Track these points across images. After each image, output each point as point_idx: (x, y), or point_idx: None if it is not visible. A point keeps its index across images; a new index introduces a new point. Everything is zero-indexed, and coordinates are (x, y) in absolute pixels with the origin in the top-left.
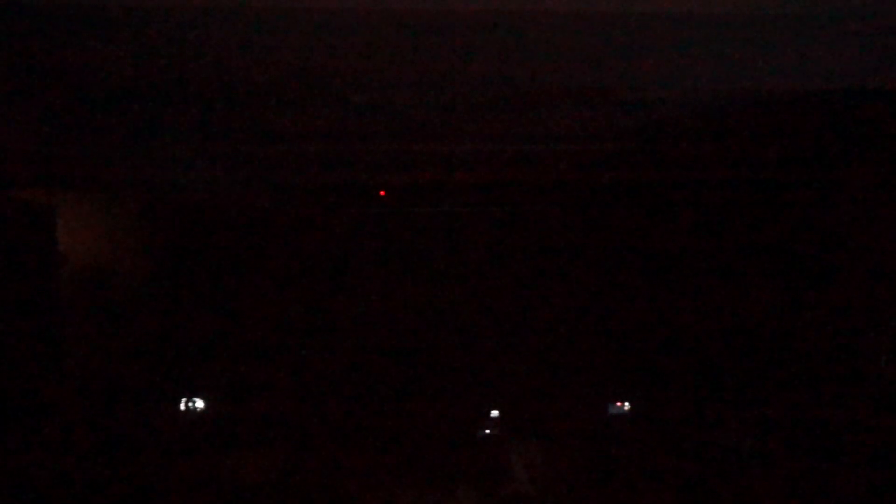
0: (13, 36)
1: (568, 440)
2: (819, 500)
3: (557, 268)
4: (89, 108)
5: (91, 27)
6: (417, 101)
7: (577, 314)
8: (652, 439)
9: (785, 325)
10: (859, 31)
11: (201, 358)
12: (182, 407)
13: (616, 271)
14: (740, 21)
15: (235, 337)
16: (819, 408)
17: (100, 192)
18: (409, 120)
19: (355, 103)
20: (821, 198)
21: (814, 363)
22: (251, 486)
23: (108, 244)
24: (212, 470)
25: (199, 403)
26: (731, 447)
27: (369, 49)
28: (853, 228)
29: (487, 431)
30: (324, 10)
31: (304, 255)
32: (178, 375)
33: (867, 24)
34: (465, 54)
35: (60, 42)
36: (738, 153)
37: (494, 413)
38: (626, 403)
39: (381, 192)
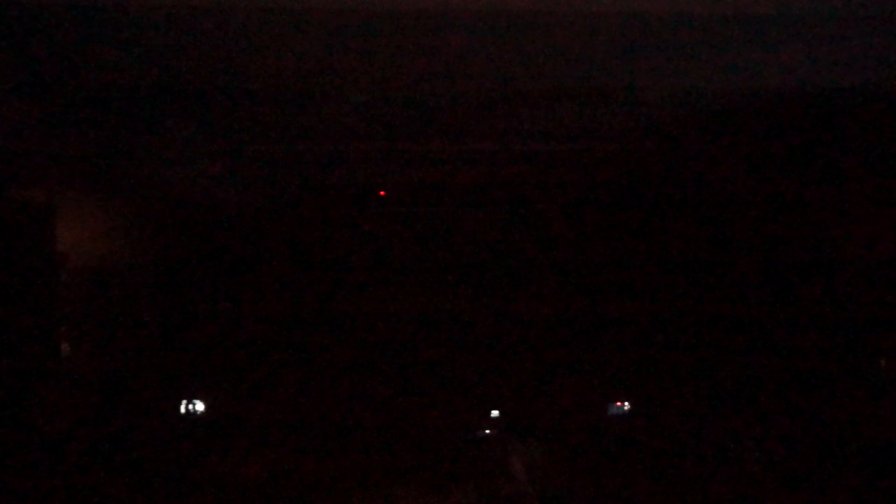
0: (13, 36)
1: (568, 440)
2: (819, 500)
3: (558, 268)
4: (89, 108)
5: (91, 27)
6: (417, 101)
7: (578, 314)
8: (652, 439)
9: (785, 325)
10: (859, 31)
11: (202, 359)
12: (182, 409)
13: (617, 271)
14: (740, 21)
15: (235, 337)
16: (819, 408)
17: (100, 192)
18: (408, 120)
19: (355, 103)
20: (821, 197)
21: (814, 363)
22: (251, 486)
23: (108, 244)
24: (211, 470)
25: (200, 406)
26: (730, 447)
27: (369, 49)
28: (853, 228)
29: (487, 431)
30: (324, 10)
31: (304, 255)
32: (178, 377)
33: (867, 24)
34: (465, 54)
35: (61, 42)
36: (738, 153)
37: (494, 413)
38: (626, 403)
39: (381, 192)
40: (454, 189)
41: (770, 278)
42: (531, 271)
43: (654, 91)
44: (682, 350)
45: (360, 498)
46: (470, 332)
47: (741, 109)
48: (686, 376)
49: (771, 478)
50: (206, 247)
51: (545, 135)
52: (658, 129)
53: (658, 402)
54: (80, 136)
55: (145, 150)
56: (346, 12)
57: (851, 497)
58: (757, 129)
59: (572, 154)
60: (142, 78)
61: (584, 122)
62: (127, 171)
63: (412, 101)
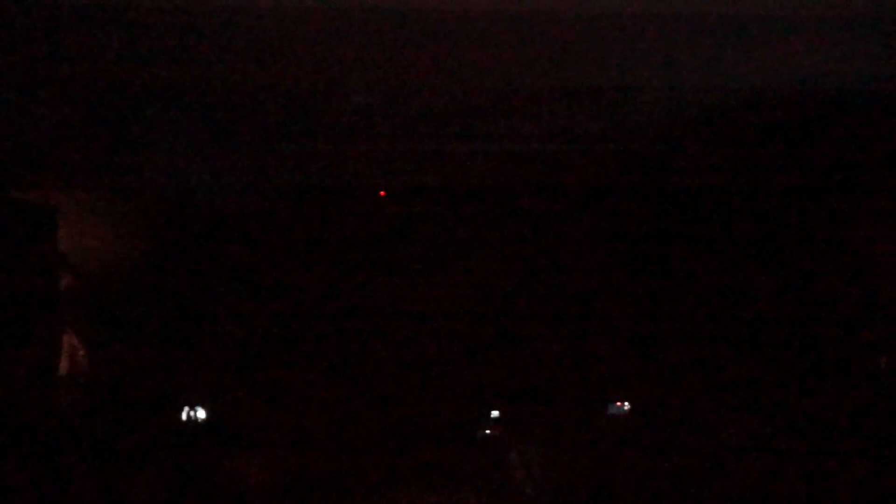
0: (13, 36)
1: (568, 440)
2: (819, 500)
3: (558, 267)
4: (89, 109)
5: (91, 27)
6: (417, 101)
7: (577, 314)
8: (652, 439)
9: (785, 325)
10: (859, 31)
11: (204, 363)
12: (184, 416)
13: (617, 271)
14: (740, 21)
15: (235, 337)
16: (819, 408)
17: (100, 192)
18: (408, 120)
19: (355, 103)
20: (821, 197)
21: (814, 363)
22: (251, 487)
23: (108, 244)
24: (211, 472)
25: (201, 413)
26: (730, 447)
27: (369, 49)
28: (853, 228)
29: (487, 432)
30: (324, 10)
31: (303, 255)
32: (180, 382)
33: (867, 24)
34: (465, 54)
35: (61, 42)
36: (738, 153)
37: (494, 413)
38: (626, 403)
39: (381, 192)
40: (454, 189)
41: (770, 278)
42: (531, 271)
43: (654, 91)
44: (682, 350)
45: (359, 498)
46: (470, 333)
47: (741, 110)
48: (686, 376)
49: (771, 478)
50: (206, 247)
51: (545, 135)
52: (658, 130)
53: (658, 403)
54: (80, 136)
55: (145, 150)
56: (346, 12)
57: (852, 495)
58: (756, 129)
59: (573, 154)
60: (142, 78)
61: (585, 122)
62: (127, 171)
63: (412, 102)
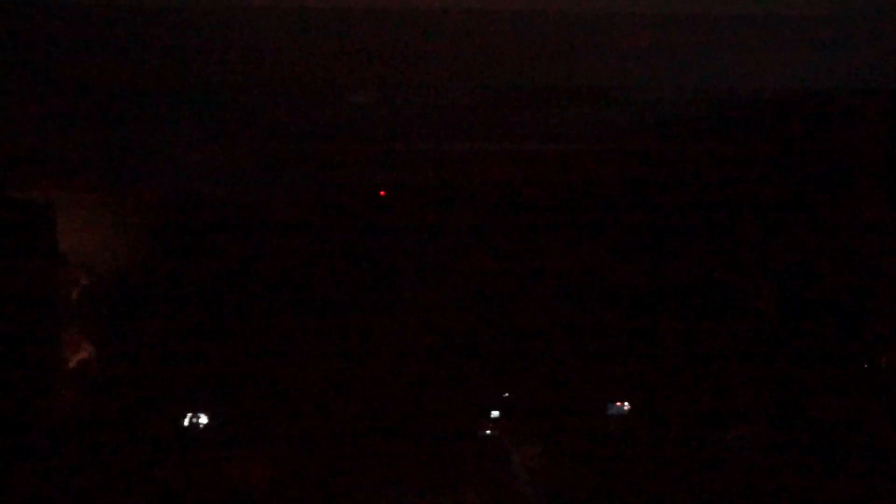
0: (13, 35)
1: (568, 440)
2: (819, 500)
3: (558, 267)
4: (89, 108)
5: (91, 27)
6: (417, 101)
7: (577, 314)
8: (652, 439)
9: (785, 325)
10: (859, 31)
11: (206, 366)
12: (185, 423)
13: (617, 272)
14: (740, 21)
15: (235, 338)
16: (819, 408)
17: (100, 192)
18: (408, 120)
19: (355, 103)
20: (820, 198)
21: (814, 363)
22: (250, 488)
23: (108, 245)
24: (211, 473)
25: (203, 419)
26: (730, 448)
27: (369, 49)
28: (854, 229)
29: (488, 432)
30: (324, 10)
31: (303, 255)
32: (182, 387)
33: (867, 24)
34: (465, 54)
35: (61, 42)
36: (739, 153)
37: (494, 413)
38: (626, 403)
39: (381, 192)
40: (454, 189)
41: (770, 279)
42: (531, 271)
43: (654, 91)
44: (682, 350)
45: (358, 499)
46: (470, 333)
47: (741, 110)
48: (686, 376)
49: (771, 478)
50: (206, 247)
51: (545, 135)
52: (658, 130)
53: (658, 403)
54: (80, 136)
55: (145, 150)
56: (345, 12)
57: (852, 496)
58: (757, 130)
59: (572, 154)
60: (141, 78)
61: (585, 122)
62: (127, 171)
63: (412, 102)
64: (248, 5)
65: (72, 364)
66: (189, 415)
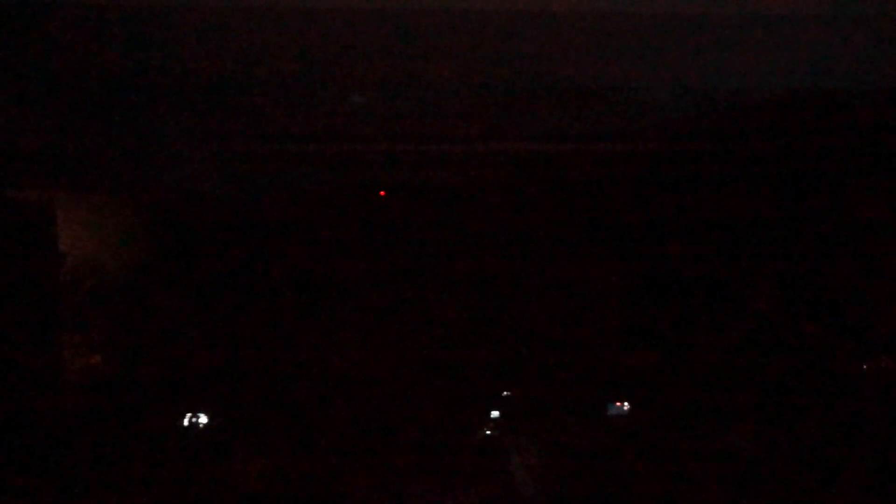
0: (13, 35)
1: (568, 440)
2: (819, 500)
3: (557, 267)
4: (89, 108)
5: (91, 27)
6: (417, 101)
7: (577, 314)
8: (652, 439)
9: (786, 325)
10: (859, 31)
11: (206, 366)
12: (185, 422)
13: (616, 272)
14: (740, 21)
15: (235, 338)
16: (820, 409)
17: (100, 192)
18: (408, 120)
19: (355, 103)
20: (821, 198)
21: (814, 364)
22: (250, 489)
23: (108, 245)
24: (211, 475)
25: (203, 419)
26: (730, 448)
27: (369, 49)
28: (854, 229)
29: (488, 432)
30: (324, 10)
31: (303, 255)
32: (182, 387)
33: (867, 24)
34: (465, 54)
35: (61, 42)
36: (738, 153)
37: (494, 413)
38: (626, 403)
39: (381, 192)
40: (454, 189)
41: (770, 279)
42: (530, 271)
43: (654, 91)
44: (683, 350)
45: (358, 499)
46: (469, 333)
47: (741, 110)
48: (686, 376)
49: (771, 479)
50: (206, 248)
51: (546, 135)
52: (658, 130)
53: (658, 403)
54: (80, 136)
55: (145, 150)
56: (345, 12)
57: (852, 497)
58: (757, 130)
59: (573, 154)
60: (142, 78)
61: (585, 122)
62: (127, 171)
63: (412, 102)
64: (248, 5)
65: (72, 364)
66: (189, 415)
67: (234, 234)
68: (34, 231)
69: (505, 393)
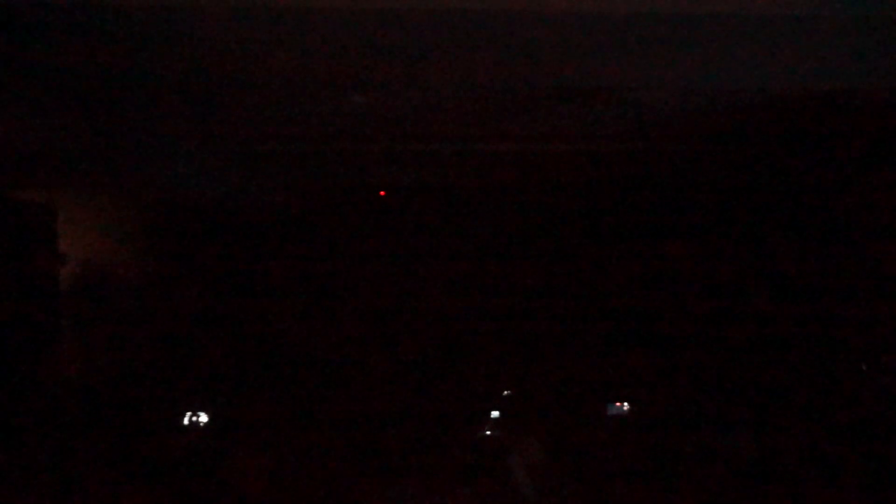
0: (13, 35)
1: (568, 440)
2: (818, 500)
3: (557, 268)
4: (89, 108)
5: (90, 27)
6: (417, 101)
7: (577, 314)
8: (652, 439)
9: (786, 325)
10: (859, 31)
11: (207, 366)
12: (186, 421)
13: (616, 272)
14: (740, 21)
15: (235, 338)
16: (820, 409)
17: (100, 192)
18: (408, 120)
19: (355, 103)
20: (821, 198)
21: (814, 364)
22: (249, 489)
23: (108, 245)
24: (212, 476)
25: (203, 417)
26: (730, 448)
27: (369, 49)
28: (854, 229)
29: (488, 432)
30: (324, 10)
31: (303, 255)
32: (182, 386)
33: (867, 25)
34: (465, 54)
35: (61, 41)
36: (739, 153)
37: (494, 413)
38: (626, 403)
39: (381, 192)
40: (454, 189)
41: (769, 279)
42: (530, 271)
43: (654, 91)
44: (682, 351)
45: (357, 499)
46: (469, 332)
47: (741, 110)
48: (686, 376)
49: (771, 479)
50: (207, 248)
51: (545, 135)
52: (658, 130)
53: (658, 403)
54: (81, 136)
55: (145, 150)
56: (345, 12)
57: (851, 497)
58: (757, 130)
59: (573, 154)
60: (142, 77)
61: (585, 122)
62: (127, 171)
63: (412, 102)
64: (249, 5)
65: (72, 364)
66: (189, 414)
67: (234, 234)
68: (34, 231)
69: (505, 393)
